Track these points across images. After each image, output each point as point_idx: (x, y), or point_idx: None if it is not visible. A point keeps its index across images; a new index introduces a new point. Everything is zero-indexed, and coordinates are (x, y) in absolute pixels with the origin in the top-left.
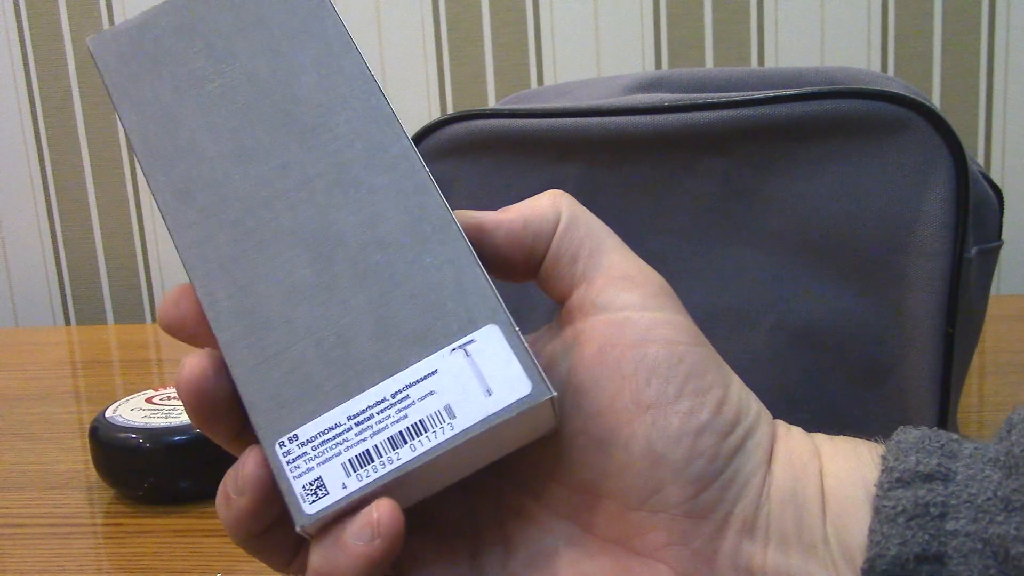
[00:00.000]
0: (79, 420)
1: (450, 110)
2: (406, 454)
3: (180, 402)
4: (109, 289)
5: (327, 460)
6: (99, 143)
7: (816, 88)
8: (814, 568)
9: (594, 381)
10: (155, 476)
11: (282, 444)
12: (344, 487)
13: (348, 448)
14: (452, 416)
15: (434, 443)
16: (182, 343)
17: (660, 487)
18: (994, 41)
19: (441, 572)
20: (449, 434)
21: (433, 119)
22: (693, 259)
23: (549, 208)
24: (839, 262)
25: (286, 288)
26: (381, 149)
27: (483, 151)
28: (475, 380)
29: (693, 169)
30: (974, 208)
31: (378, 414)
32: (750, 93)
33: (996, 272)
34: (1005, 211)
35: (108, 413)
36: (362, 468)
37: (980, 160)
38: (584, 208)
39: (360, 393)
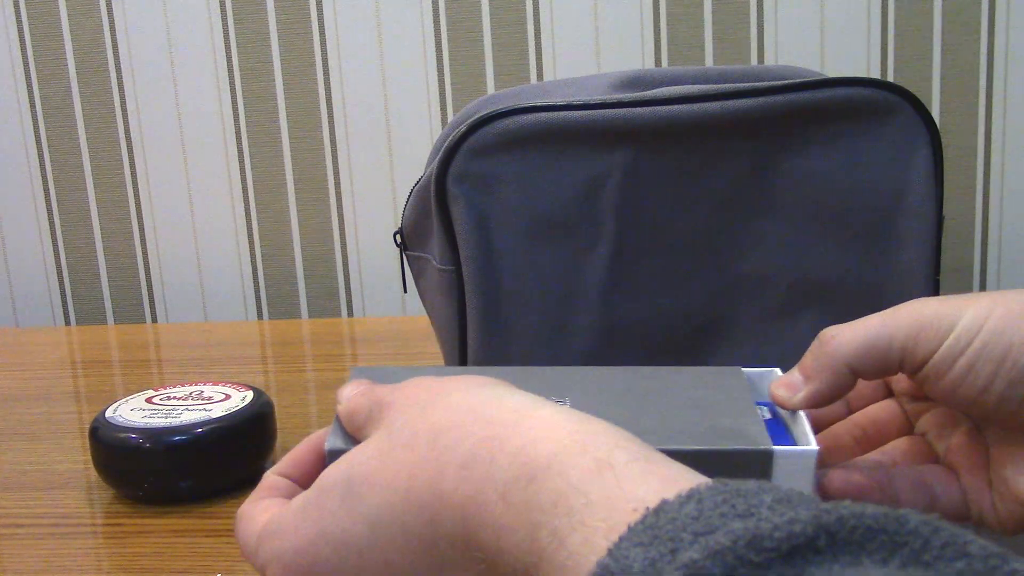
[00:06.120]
0: (79, 420)
1: (450, 110)
2: None
3: (180, 402)
4: (109, 289)
5: None
6: (99, 143)
7: (835, 76)
8: None
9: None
10: (155, 476)
11: None
12: None
13: None
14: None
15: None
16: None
17: None
18: (994, 41)
19: None
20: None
21: (480, 115)
22: (725, 231)
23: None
24: (845, 227)
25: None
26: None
27: (528, 145)
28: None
29: (727, 151)
30: None
31: None
32: (777, 81)
33: (996, 272)
34: (1005, 211)
35: (108, 413)
36: None
37: (980, 159)
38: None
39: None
